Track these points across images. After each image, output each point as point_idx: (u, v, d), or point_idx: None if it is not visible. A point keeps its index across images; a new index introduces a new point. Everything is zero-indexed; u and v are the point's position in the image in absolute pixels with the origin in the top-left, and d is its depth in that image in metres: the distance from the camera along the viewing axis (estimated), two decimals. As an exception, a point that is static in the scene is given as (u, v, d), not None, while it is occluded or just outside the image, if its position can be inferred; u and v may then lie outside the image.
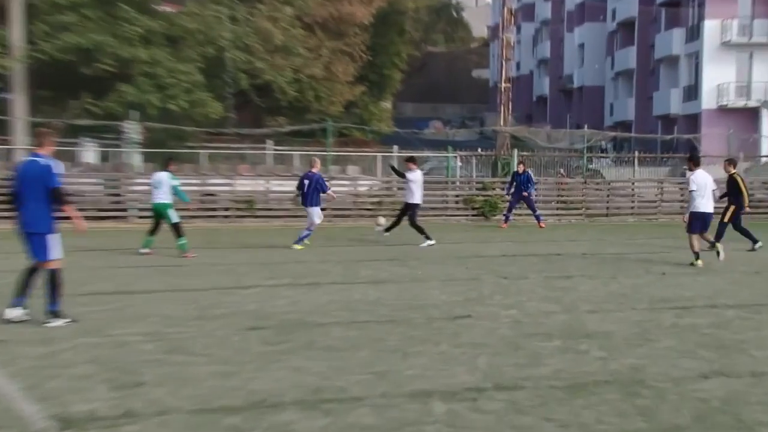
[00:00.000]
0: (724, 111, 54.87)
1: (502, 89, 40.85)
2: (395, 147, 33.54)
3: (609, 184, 33.40)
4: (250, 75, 39.53)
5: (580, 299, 12.12)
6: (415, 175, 20.69)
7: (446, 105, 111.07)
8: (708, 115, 55.28)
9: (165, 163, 18.71)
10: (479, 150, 37.61)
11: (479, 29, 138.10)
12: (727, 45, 55.05)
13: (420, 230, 20.40)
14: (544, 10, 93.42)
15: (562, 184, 32.40)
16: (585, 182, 32.43)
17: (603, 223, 30.24)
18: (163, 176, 17.90)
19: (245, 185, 28.49)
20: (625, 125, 69.66)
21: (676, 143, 53.70)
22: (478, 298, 12.20)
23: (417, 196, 20.70)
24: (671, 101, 60.97)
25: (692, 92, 58.06)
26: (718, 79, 55.32)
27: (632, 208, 32.12)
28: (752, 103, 54.75)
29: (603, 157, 43.90)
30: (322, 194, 19.63)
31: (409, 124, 57.35)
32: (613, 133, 49.25)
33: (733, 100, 55.15)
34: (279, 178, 29.32)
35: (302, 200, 19.83)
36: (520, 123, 76.45)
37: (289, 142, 39.13)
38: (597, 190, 32.54)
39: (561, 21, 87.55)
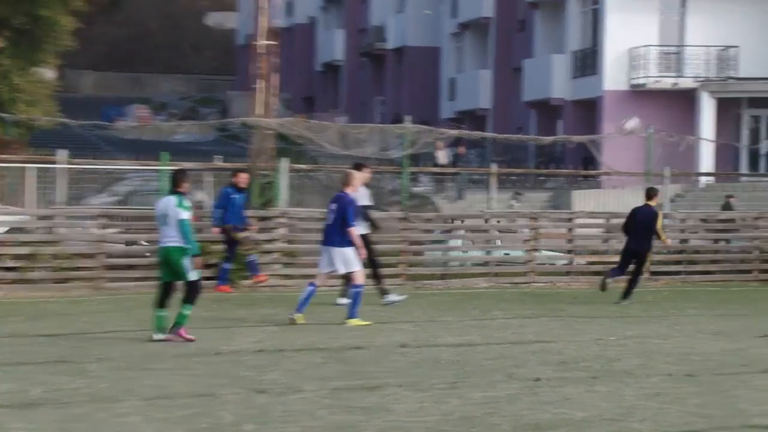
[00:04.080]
0: (640, 94, 57.78)
1: (262, 50, 40.84)
2: (62, 153, 32.98)
3: (447, 220, 34.11)
4: None
5: (396, 428, 12.27)
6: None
7: (159, 76, 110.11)
8: (614, 101, 57.75)
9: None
10: (221, 159, 37.44)
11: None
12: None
13: None
14: None
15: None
16: (406, 217, 32.89)
17: (437, 290, 30.86)
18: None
19: None
20: (476, 117, 71.48)
21: (562, 150, 55.58)
22: (214, 429, 12.16)
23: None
24: (553, 77, 63.12)
25: (588, 62, 60.67)
26: (631, 39, 57.83)
27: (486, 264, 32.83)
28: (687, 82, 57.54)
29: (438, 173, 44.91)
30: None
31: (89, 111, 56.55)
32: (455, 131, 50.08)
33: (656, 77, 57.93)
34: None
35: None
36: (295, 111, 77.18)
37: None
38: (426, 231, 33.06)
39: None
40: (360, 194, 25.77)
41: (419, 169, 41.24)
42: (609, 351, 18.58)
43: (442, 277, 31.94)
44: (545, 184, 41.66)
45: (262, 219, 30.32)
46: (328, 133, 41.40)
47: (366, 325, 21.82)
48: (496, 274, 32.41)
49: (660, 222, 29.06)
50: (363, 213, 25.89)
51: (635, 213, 29.03)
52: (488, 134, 55.33)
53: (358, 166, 26.69)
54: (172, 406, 13.40)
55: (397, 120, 50.30)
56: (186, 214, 19.45)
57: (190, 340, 19.29)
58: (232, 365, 16.92)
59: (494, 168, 36.68)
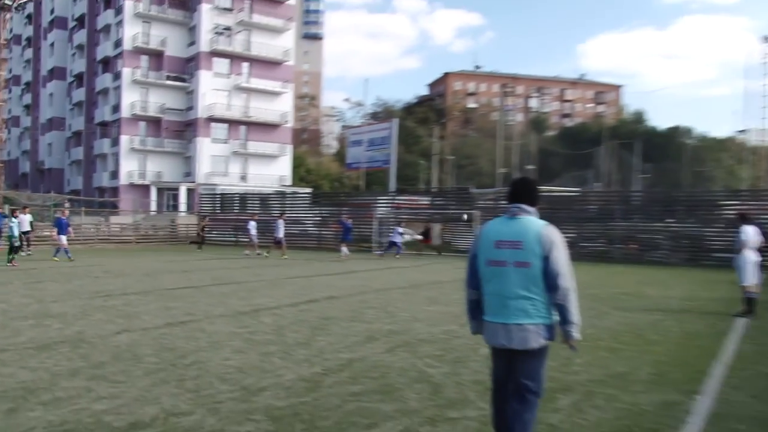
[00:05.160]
0: (132, 186, 51.48)
1: (-6, 168, 32.59)
2: None
3: (76, 226, 28.95)
4: None
5: (47, 294, 10.36)
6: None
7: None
8: (124, 188, 51.17)
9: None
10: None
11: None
12: (134, 149, 51.74)
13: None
14: (26, 121, 75.84)
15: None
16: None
17: (74, 249, 25.71)
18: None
19: None
20: (78, 192, 61.53)
21: (105, 204, 49.20)
22: None
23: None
24: (104, 179, 55.03)
25: (116, 174, 53.36)
26: (129, 167, 51.69)
27: (98, 239, 27.61)
28: (147, 182, 52.08)
29: (69, 209, 37.77)
30: None
31: None
32: (69, 196, 42.85)
33: (137, 180, 51.55)
34: None
35: None
36: (12, 189, 61.88)
37: None
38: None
39: (36, 128, 72.71)
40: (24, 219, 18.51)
41: (63, 207, 33.96)
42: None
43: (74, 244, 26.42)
44: (101, 214, 36.29)
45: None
46: (23, 195, 33.69)
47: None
48: (95, 243, 27.26)
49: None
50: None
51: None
52: (81, 197, 46.89)
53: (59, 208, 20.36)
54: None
55: (50, 192, 41.11)
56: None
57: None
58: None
59: (84, 208, 31.26)
